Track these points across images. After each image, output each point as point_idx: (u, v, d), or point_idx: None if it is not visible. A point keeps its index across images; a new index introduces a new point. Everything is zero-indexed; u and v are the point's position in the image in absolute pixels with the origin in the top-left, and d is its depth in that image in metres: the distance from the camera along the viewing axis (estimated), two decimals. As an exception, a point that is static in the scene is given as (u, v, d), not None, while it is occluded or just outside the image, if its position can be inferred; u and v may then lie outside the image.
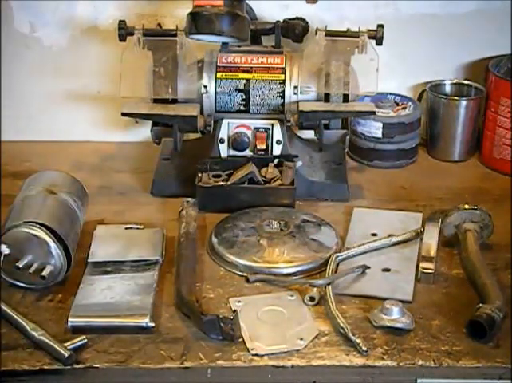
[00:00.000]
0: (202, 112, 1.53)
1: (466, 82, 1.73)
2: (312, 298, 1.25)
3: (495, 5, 1.67)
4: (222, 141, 1.54)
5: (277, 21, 1.57)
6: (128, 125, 1.75)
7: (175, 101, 1.52)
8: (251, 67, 1.54)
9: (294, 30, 1.59)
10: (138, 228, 1.43)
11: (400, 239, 1.40)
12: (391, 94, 1.72)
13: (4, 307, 1.20)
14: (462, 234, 1.37)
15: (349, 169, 1.64)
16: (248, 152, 1.54)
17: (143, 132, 1.70)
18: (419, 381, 1.15)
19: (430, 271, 1.30)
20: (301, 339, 1.17)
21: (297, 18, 1.61)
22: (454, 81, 1.74)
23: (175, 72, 1.51)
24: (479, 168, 1.69)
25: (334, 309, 1.21)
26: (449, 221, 1.38)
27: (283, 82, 1.53)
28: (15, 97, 1.73)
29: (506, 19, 1.67)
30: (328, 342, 1.17)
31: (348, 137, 1.57)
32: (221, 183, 1.49)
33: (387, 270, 1.33)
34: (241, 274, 1.32)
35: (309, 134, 1.61)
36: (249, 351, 1.15)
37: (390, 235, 1.40)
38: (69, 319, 1.19)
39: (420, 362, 1.14)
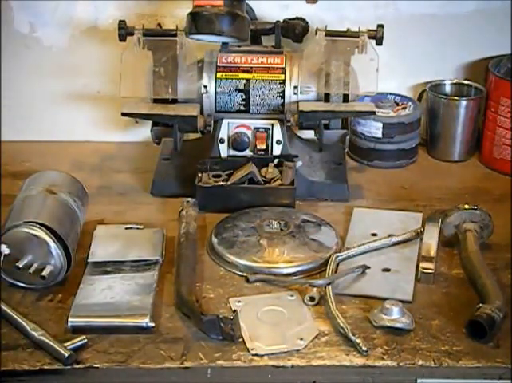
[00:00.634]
0: (202, 112, 1.53)
1: (466, 82, 1.73)
2: (312, 298, 1.25)
3: (495, 5, 1.67)
4: (222, 141, 1.54)
5: (277, 21, 1.57)
6: (127, 125, 1.75)
7: (175, 101, 1.52)
8: (251, 67, 1.54)
9: (294, 30, 1.59)
10: (138, 228, 1.43)
11: (400, 239, 1.40)
12: (391, 94, 1.72)
13: (4, 307, 1.20)
14: (462, 234, 1.37)
15: (349, 169, 1.64)
16: (248, 152, 1.54)
17: (143, 132, 1.70)
18: (419, 381, 1.15)
19: (430, 271, 1.30)
20: (301, 339, 1.17)
21: (297, 18, 1.61)
22: (454, 81, 1.74)
23: (175, 72, 1.51)
24: (479, 168, 1.69)
25: (334, 309, 1.21)
26: (449, 221, 1.38)
27: (283, 82, 1.53)
28: (15, 97, 1.73)
29: (506, 19, 1.67)
30: (328, 342, 1.17)
31: (348, 137, 1.57)
32: (221, 183, 1.49)
33: (387, 270, 1.33)
34: (241, 274, 1.32)
35: (309, 134, 1.61)
36: (249, 351, 1.15)
37: (390, 235, 1.40)
38: (69, 319, 1.19)
39: (420, 362, 1.14)
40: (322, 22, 1.54)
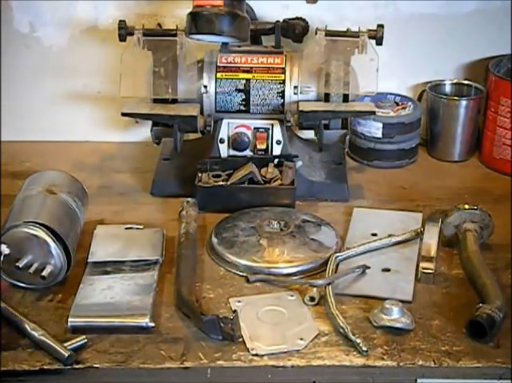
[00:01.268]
0: (202, 112, 1.53)
1: (466, 82, 1.73)
2: (312, 298, 1.25)
3: (495, 5, 1.67)
4: (222, 141, 1.54)
5: (277, 21, 1.57)
6: (128, 125, 1.75)
7: (175, 101, 1.52)
8: (251, 67, 1.54)
9: (294, 30, 1.59)
10: (138, 228, 1.43)
11: (400, 239, 1.40)
12: (391, 94, 1.72)
13: (4, 307, 1.20)
14: (462, 234, 1.37)
15: (349, 169, 1.64)
16: (248, 152, 1.54)
17: (143, 132, 1.70)
18: (419, 381, 1.15)
19: (430, 271, 1.30)
20: (301, 339, 1.17)
21: (297, 18, 1.61)
22: (454, 81, 1.74)
23: (175, 72, 1.51)
24: (479, 168, 1.69)
25: (334, 309, 1.21)
26: (449, 221, 1.38)
27: (283, 82, 1.53)
28: (15, 97, 1.73)
29: (506, 19, 1.67)
30: (328, 342, 1.17)
31: (348, 137, 1.57)
32: (221, 183, 1.49)
33: (387, 270, 1.33)
34: (241, 274, 1.32)
35: (309, 134, 1.61)
36: (249, 351, 1.15)
37: (390, 235, 1.40)
38: (69, 319, 1.19)
39: (420, 362, 1.14)
40: (322, 22, 1.54)
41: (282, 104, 1.53)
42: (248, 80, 1.53)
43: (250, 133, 1.54)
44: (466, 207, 1.38)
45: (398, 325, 1.18)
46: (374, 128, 1.65)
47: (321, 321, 1.21)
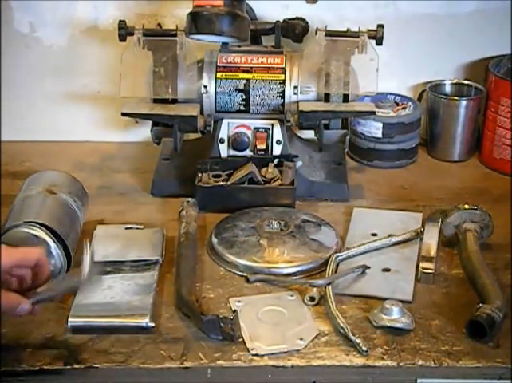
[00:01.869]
0: (202, 112, 1.53)
1: (466, 82, 1.73)
2: (312, 298, 1.25)
3: (495, 5, 1.67)
4: (222, 141, 1.54)
5: (277, 21, 1.57)
6: (128, 125, 1.75)
7: (175, 101, 1.52)
8: (251, 67, 1.54)
9: (294, 30, 1.59)
10: (138, 228, 1.43)
11: (400, 239, 1.40)
12: (391, 94, 1.72)
13: None
14: (462, 234, 1.37)
15: (349, 169, 1.64)
16: (248, 152, 1.54)
17: (143, 132, 1.70)
18: (419, 381, 1.15)
19: (430, 271, 1.30)
20: (301, 339, 1.17)
21: (297, 18, 1.61)
22: (454, 81, 1.74)
23: (175, 72, 1.51)
24: (479, 168, 1.69)
25: (334, 309, 1.21)
26: (449, 221, 1.38)
27: (283, 82, 1.53)
28: (15, 97, 1.73)
29: (506, 19, 1.67)
30: (328, 342, 1.17)
31: (348, 137, 1.57)
32: (221, 183, 1.49)
33: (387, 270, 1.33)
34: (241, 274, 1.32)
35: (309, 134, 1.61)
36: (249, 351, 1.15)
37: (390, 235, 1.40)
38: (69, 319, 1.19)
39: (420, 362, 1.14)
40: (322, 22, 1.54)
41: (282, 104, 1.53)
42: (248, 80, 1.53)
43: (250, 133, 1.54)
44: (466, 207, 1.38)
45: (398, 325, 1.18)
46: (374, 128, 1.65)
47: (321, 321, 1.21)
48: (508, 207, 1.48)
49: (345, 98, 1.51)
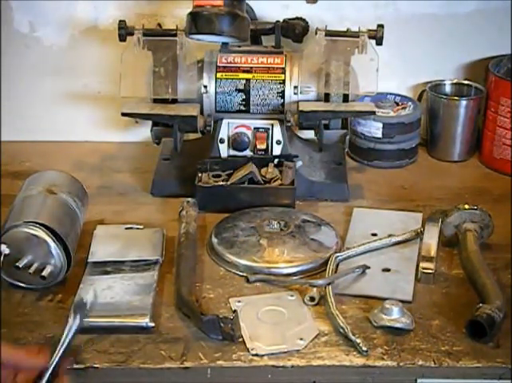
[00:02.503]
0: (202, 112, 1.53)
1: (466, 82, 1.73)
2: (312, 298, 1.25)
3: (495, 5, 1.67)
4: (222, 141, 1.54)
5: (277, 21, 1.57)
6: (128, 125, 1.75)
7: (175, 101, 1.52)
8: (251, 67, 1.54)
9: (294, 30, 1.59)
10: (138, 228, 1.43)
11: (400, 239, 1.40)
12: (391, 94, 1.72)
13: None
14: (462, 234, 1.37)
15: (349, 169, 1.64)
16: (248, 152, 1.54)
17: (143, 132, 1.70)
18: (419, 381, 1.15)
19: (430, 271, 1.30)
20: (301, 339, 1.17)
21: (297, 18, 1.61)
22: (454, 81, 1.74)
23: (175, 72, 1.51)
24: (479, 168, 1.69)
25: (334, 309, 1.21)
26: (449, 221, 1.38)
27: (283, 82, 1.53)
28: (15, 97, 1.73)
29: (506, 19, 1.67)
30: (328, 342, 1.17)
31: (348, 137, 1.57)
32: (221, 183, 1.49)
33: (387, 270, 1.33)
34: (241, 274, 1.32)
35: (309, 134, 1.61)
36: (249, 351, 1.15)
37: (390, 235, 1.40)
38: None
39: (420, 362, 1.14)
40: (322, 22, 1.54)
41: (282, 104, 1.53)
42: (248, 80, 1.53)
43: (250, 133, 1.54)
44: (466, 207, 1.38)
45: (398, 325, 1.18)
46: (374, 128, 1.65)
47: (321, 321, 1.21)
48: (508, 207, 1.48)
49: (345, 98, 1.51)
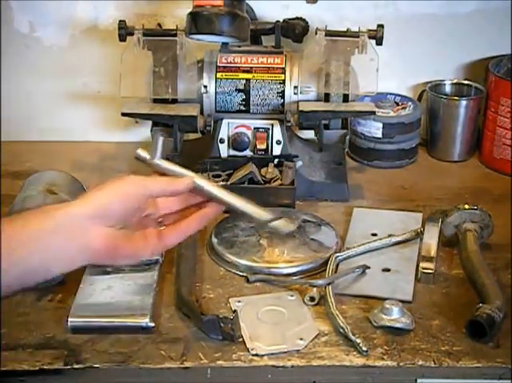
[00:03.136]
0: (202, 112, 1.54)
1: (466, 82, 1.73)
2: (312, 298, 1.25)
3: (495, 5, 1.67)
4: (222, 141, 1.54)
5: (277, 21, 1.57)
6: (128, 125, 1.75)
7: (175, 101, 1.52)
8: (251, 67, 1.54)
9: (294, 30, 1.59)
10: (138, 228, 1.42)
11: (400, 239, 1.40)
12: (391, 94, 1.72)
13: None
14: (462, 234, 1.37)
15: (349, 169, 1.64)
16: (248, 152, 1.54)
17: (143, 132, 1.70)
18: (419, 381, 1.15)
19: (430, 271, 1.30)
20: (301, 339, 1.17)
21: (297, 18, 1.61)
22: (454, 81, 1.74)
23: (175, 72, 1.51)
24: (479, 168, 1.69)
25: (334, 309, 1.21)
26: (449, 221, 1.38)
27: (283, 82, 1.53)
28: (15, 97, 1.73)
29: (506, 19, 1.67)
30: (328, 342, 1.17)
31: (348, 137, 1.57)
32: (221, 183, 1.49)
33: (387, 270, 1.33)
34: (241, 274, 1.32)
35: (309, 134, 1.61)
36: (249, 351, 1.15)
37: (390, 235, 1.40)
38: (69, 319, 1.19)
39: (420, 362, 1.14)
40: (322, 22, 1.54)
41: (282, 104, 1.53)
42: (248, 80, 1.53)
43: (250, 133, 1.54)
44: (466, 207, 1.38)
45: (398, 325, 1.18)
46: (374, 128, 1.65)
47: (321, 321, 1.21)
48: (508, 207, 1.48)
49: (345, 98, 1.51)
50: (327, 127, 1.55)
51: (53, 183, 1.38)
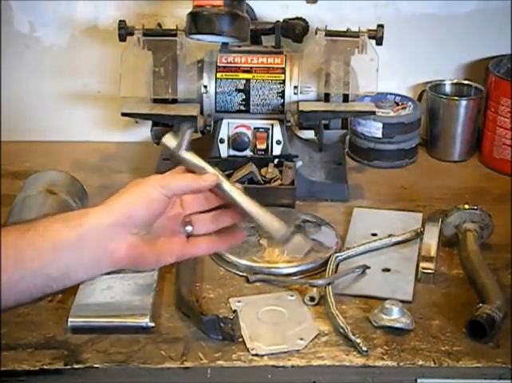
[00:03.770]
0: (202, 112, 1.54)
1: (466, 82, 1.73)
2: (312, 298, 1.25)
3: (495, 5, 1.67)
4: (222, 141, 1.54)
5: (277, 21, 1.57)
6: (128, 125, 1.75)
7: (175, 101, 1.52)
8: (251, 67, 1.54)
9: (294, 30, 1.59)
10: (138, 228, 1.42)
11: (400, 239, 1.40)
12: (391, 94, 1.72)
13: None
14: (462, 234, 1.37)
15: (349, 169, 1.64)
16: (248, 152, 1.54)
17: (143, 132, 1.70)
18: (419, 381, 1.15)
19: (430, 271, 1.30)
20: (301, 339, 1.17)
21: (297, 18, 1.61)
22: (454, 81, 1.74)
23: (175, 72, 1.51)
24: (479, 168, 1.69)
25: (334, 309, 1.21)
26: (449, 221, 1.38)
27: (283, 82, 1.53)
28: (15, 97, 1.73)
29: (506, 19, 1.67)
30: (328, 342, 1.17)
31: (348, 137, 1.57)
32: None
33: (387, 270, 1.33)
34: (241, 274, 1.32)
35: (309, 134, 1.61)
36: (249, 351, 1.15)
37: (390, 235, 1.40)
38: (69, 319, 1.19)
39: (420, 362, 1.14)
40: (322, 22, 1.54)
41: (282, 104, 1.53)
42: (248, 80, 1.53)
43: (250, 133, 1.54)
44: (466, 207, 1.38)
45: (398, 325, 1.18)
46: (374, 128, 1.65)
47: (321, 321, 1.21)
48: (508, 207, 1.48)
49: (345, 98, 1.51)
50: (327, 127, 1.55)
51: (53, 183, 1.38)
